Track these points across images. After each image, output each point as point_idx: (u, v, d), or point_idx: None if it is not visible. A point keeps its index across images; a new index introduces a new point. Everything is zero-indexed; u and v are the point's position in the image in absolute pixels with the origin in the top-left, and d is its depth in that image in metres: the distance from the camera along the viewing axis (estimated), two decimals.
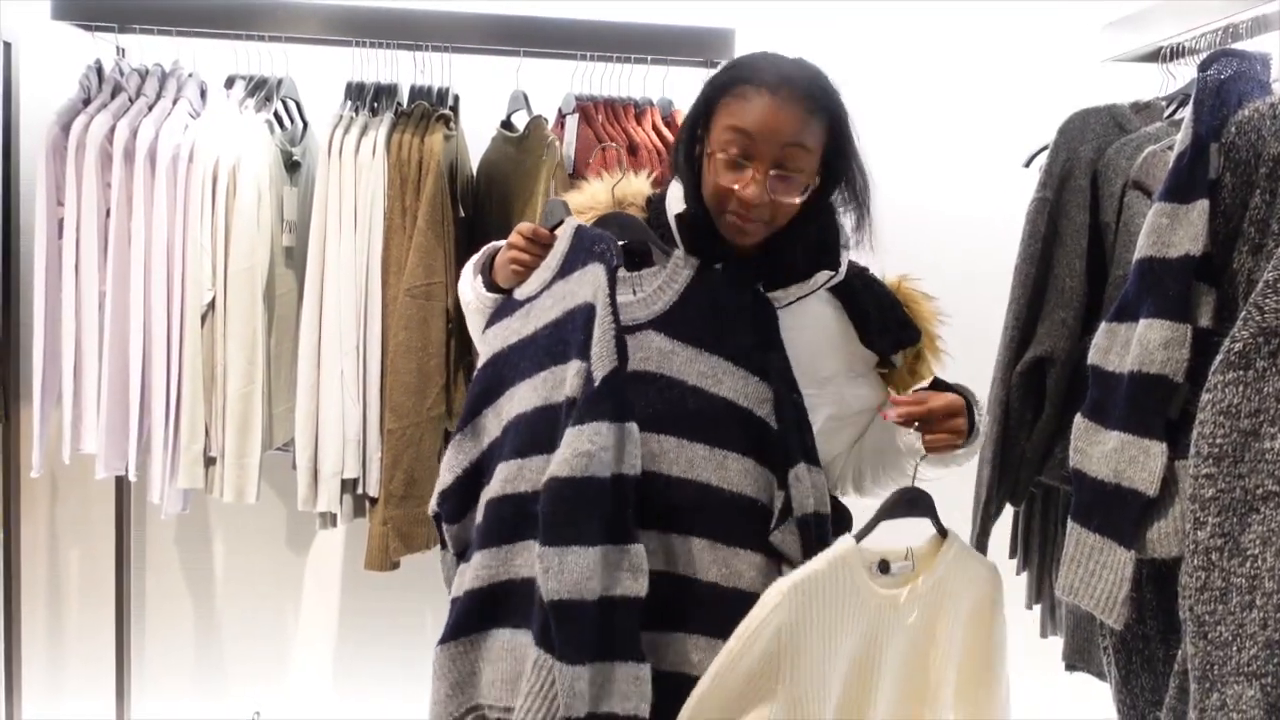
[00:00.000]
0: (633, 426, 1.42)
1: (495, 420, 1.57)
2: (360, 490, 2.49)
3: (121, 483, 2.75)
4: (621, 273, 1.52)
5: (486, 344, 1.62)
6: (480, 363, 1.62)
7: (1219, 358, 1.46)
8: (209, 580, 2.95)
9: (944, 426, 1.53)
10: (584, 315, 1.46)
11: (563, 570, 1.36)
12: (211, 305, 2.42)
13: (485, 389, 1.59)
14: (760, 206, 1.47)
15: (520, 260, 1.58)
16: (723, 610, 1.46)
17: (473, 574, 1.51)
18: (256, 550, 2.94)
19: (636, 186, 1.70)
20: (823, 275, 1.56)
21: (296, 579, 2.97)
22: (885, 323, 1.61)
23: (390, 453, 2.41)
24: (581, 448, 1.37)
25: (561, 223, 1.59)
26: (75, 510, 2.87)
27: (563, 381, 1.46)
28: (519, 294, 1.60)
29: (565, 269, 1.53)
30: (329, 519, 2.52)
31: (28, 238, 2.54)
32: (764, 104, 1.43)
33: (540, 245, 1.58)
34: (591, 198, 1.70)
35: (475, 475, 1.59)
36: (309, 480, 2.46)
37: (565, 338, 1.48)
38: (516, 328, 1.58)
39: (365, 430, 2.47)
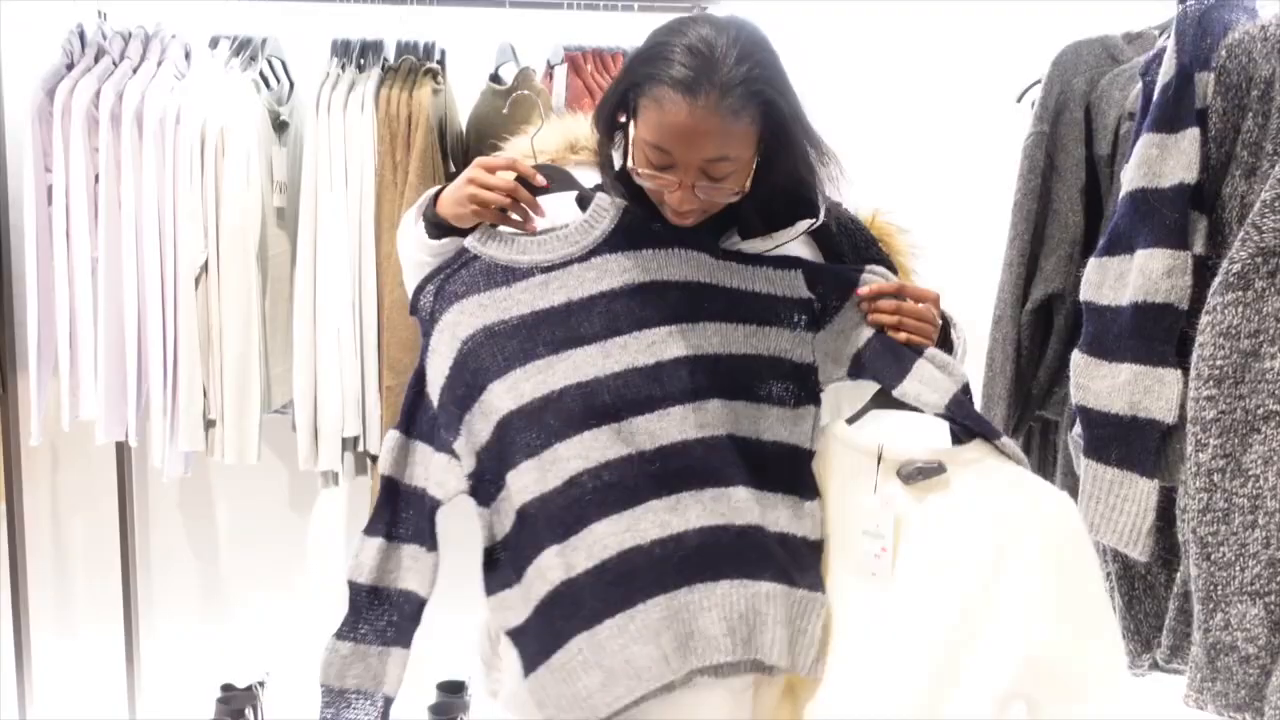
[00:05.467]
0: None
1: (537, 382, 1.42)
2: (361, 448, 2.49)
3: (122, 449, 2.75)
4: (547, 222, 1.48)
5: (470, 316, 1.45)
6: (467, 334, 1.45)
7: (1217, 279, 1.46)
8: (213, 543, 2.95)
9: (914, 315, 1.43)
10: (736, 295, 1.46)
11: None
12: (205, 268, 2.42)
13: (481, 367, 1.44)
14: (692, 210, 1.42)
15: (504, 207, 1.44)
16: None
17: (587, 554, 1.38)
18: (260, 513, 2.93)
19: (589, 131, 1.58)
20: (804, 224, 1.49)
21: (300, 540, 2.97)
22: (859, 263, 1.55)
23: (389, 409, 2.41)
24: None
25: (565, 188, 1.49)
26: (77, 478, 2.86)
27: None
28: (510, 258, 1.47)
29: (612, 244, 1.46)
30: (331, 477, 2.52)
31: (17, 207, 2.52)
32: (681, 120, 1.32)
33: (525, 194, 1.45)
34: (575, 135, 1.60)
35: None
36: (309, 439, 2.46)
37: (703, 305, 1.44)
38: (529, 299, 1.44)
39: (364, 388, 2.46)
